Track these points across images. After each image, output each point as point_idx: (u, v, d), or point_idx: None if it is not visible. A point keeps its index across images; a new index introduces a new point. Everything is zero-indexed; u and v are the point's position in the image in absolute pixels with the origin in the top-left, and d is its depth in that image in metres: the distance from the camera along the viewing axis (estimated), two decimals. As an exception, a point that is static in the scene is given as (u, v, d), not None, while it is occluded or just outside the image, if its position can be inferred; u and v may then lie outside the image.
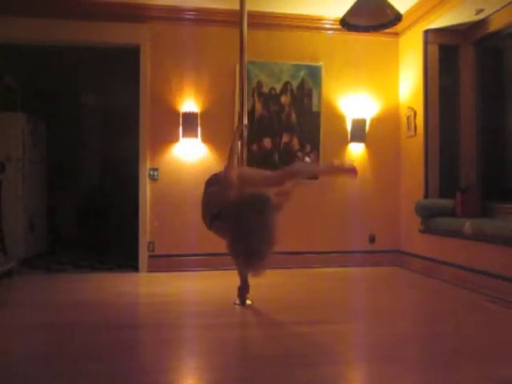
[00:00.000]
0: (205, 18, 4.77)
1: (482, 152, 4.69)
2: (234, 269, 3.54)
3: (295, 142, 4.94)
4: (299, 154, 3.58)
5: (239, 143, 3.46)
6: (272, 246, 2.36)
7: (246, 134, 3.45)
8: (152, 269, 4.62)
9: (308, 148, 4.96)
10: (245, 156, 3.44)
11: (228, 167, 2.89)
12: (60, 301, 3.52)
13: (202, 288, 4.02)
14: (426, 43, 4.70)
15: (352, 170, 3.05)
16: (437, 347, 2.48)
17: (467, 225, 3.96)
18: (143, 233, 4.67)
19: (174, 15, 4.72)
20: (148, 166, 4.71)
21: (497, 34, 4.39)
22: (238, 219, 2.41)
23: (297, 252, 4.73)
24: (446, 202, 4.50)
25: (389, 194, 5.15)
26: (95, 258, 5.57)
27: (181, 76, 4.77)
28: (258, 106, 4.88)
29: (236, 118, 4.67)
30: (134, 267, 4.73)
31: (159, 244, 4.70)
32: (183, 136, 4.71)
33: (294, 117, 4.95)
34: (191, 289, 4.07)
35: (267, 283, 4.12)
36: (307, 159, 3.50)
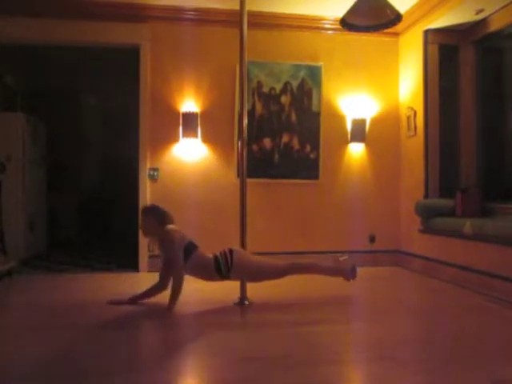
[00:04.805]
0: (205, 18, 4.77)
1: (482, 152, 4.69)
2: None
3: (295, 141, 4.95)
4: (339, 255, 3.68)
5: None
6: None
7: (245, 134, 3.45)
8: (152, 269, 4.61)
9: (308, 148, 4.96)
10: (245, 156, 3.44)
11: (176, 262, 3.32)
12: (60, 301, 3.51)
13: (202, 288, 4.01)
14: (425, 43, 4.70)
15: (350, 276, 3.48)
16: (437, 347, 2.48)
17: (467, 225, 3.96)
18: (143, 233, 4.66)
19: (174, 15, 4.73)
20: (148, 166, 4.71)
21: (497, 33, 4.39)
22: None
23: (297, 252, 4.72)
24: (446, 202, 4.50)
25: (389, 194, 5.16)
26: (95, 258, 5.57)
27: (181, 76, 4.77)
28: (258, 106, 4.88)
29: (236, 118, 4.67)
30: (134, 267, 4.73)
31: (159, 244, 4.69)
32: (183, 136, 4.71)
33: (293, 117, 4.95)
34: (191, 289, 4.07)
35: (267, 283, 4.12)
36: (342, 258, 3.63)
